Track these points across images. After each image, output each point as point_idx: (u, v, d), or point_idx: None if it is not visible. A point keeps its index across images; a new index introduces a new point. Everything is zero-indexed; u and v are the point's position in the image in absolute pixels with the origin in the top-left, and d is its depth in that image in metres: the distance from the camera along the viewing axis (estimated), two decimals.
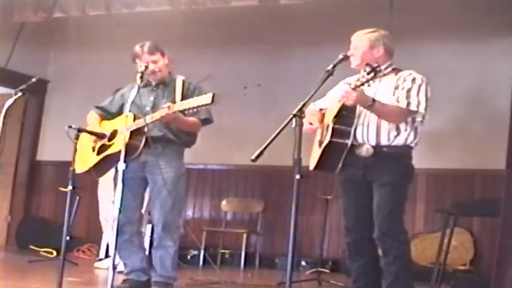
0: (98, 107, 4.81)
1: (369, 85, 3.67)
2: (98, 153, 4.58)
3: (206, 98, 4.09)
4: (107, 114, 4.75)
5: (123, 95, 4.73)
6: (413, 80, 3.83)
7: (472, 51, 6.77)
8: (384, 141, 3.82)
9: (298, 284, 5.42)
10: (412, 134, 3.85)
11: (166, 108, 4.26)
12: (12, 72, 7.78)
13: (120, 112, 4.68)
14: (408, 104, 3.77)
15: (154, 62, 4.58)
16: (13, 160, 8.53)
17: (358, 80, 3.64)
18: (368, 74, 3.59)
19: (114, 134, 4.51)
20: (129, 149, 4.27)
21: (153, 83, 4.63)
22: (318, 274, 6.02)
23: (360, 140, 3.85)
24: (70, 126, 4.22)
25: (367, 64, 3.64)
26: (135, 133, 4.36)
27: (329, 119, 3.89)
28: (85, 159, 4.49)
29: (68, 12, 6.36)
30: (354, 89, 3.62)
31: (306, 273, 6.46)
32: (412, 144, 3.88)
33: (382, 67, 3.85)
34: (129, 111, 4.26)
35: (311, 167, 3.96)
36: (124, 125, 4.29)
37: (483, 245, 6.46)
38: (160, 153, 4.49)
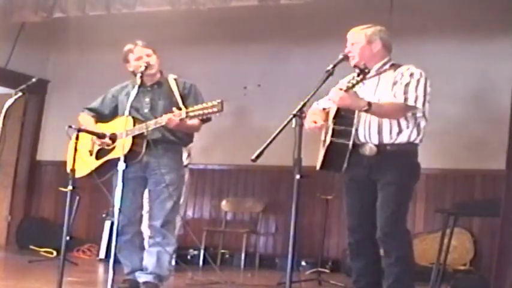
0: (90, 109, 4.74)
1: (359, 87, 3.66)
2: (97, 158, 4.56)
3: (216, 106, 4.10)
4: (101, 116, 4.69)
5: (114, 95, 4.70)
6: (412, 74, 3.79)
7: (472, 51, 6.76)
8: (386, 140, 3.79)
9: (298, 284, 5.39)
10: (415, 130, 3.81)
11: (171, 115, 4.24)
12: (12, 72, 7.78)
13: (113, 113, 4.66)
14: (405, 99, 3.73)
15: (148, 56, 4.55)
16: (13, 160, 8.53)
17: (349, 82, 3.62)
18: (358, 75, 3.56)
19: (113, 138, 4.48)
20: (131, 154, 4.28)
21: (147, 84, 4.54)
22: (318, 274, 6.02)
23: (362, 139, 3.83)
24: (70, 126, 4.21)
25: (355, 66, 3.62)
26: (135, 137, 4.36)
27: (330, 119, 3.88)
28: (84, 163, 4.47)
29: (68, 12, 6.37)
30: (345, 91, 3.59)
31: (306, 273, 6.45)
32: (416, 141, 3.84)
33: (380, 63, 3.86)
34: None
35: (317, 167, 3.93)
36: (123, 128, 4.27)
37: (483, 245, 6.46)
38: (161, 155, 4.48)
